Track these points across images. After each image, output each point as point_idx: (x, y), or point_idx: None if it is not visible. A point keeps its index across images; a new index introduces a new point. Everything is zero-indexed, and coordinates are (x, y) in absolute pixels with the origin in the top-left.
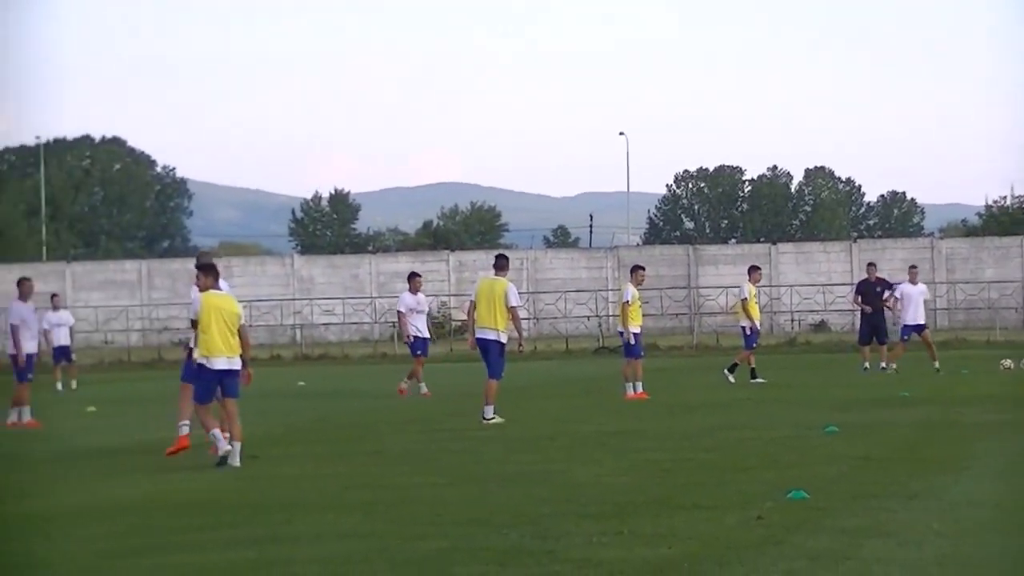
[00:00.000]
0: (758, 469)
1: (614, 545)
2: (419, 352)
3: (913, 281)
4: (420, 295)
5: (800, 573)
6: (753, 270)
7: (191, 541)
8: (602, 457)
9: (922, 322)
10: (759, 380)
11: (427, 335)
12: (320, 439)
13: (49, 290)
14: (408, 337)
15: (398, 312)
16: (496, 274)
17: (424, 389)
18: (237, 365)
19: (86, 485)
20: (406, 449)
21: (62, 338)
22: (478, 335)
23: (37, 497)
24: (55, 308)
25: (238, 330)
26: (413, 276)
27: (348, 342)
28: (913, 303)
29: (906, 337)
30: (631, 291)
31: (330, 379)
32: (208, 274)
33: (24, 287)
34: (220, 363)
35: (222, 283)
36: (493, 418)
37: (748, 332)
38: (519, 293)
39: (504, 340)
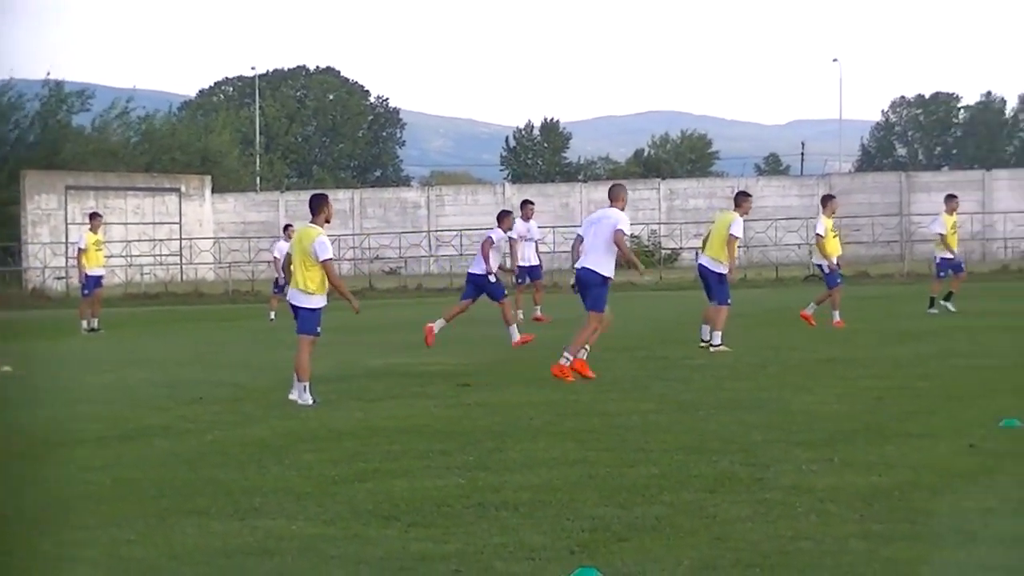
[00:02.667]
0: (971, 398)
1: (824, 473)
2: (521, 280)
3: None
4: (532, 223)
5: (1013, 501)
6: (949, 199)
7: (404, 468)
8: (813, 385)
9: None
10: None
11: (536, 262)
12: (531, 366)
13: (262, 220)
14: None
15: (509, 239)
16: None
17: (519, 316)
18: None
19: (301, 412)
20: (617, 376)
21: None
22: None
23: (252, 424)
24: (288, 238)
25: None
26: (526, 203)
27: (558, 271)
28: None
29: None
30: (822, 223)
31: (542, 306)
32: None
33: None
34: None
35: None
36: (720, 345)
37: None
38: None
39: (721, 270)
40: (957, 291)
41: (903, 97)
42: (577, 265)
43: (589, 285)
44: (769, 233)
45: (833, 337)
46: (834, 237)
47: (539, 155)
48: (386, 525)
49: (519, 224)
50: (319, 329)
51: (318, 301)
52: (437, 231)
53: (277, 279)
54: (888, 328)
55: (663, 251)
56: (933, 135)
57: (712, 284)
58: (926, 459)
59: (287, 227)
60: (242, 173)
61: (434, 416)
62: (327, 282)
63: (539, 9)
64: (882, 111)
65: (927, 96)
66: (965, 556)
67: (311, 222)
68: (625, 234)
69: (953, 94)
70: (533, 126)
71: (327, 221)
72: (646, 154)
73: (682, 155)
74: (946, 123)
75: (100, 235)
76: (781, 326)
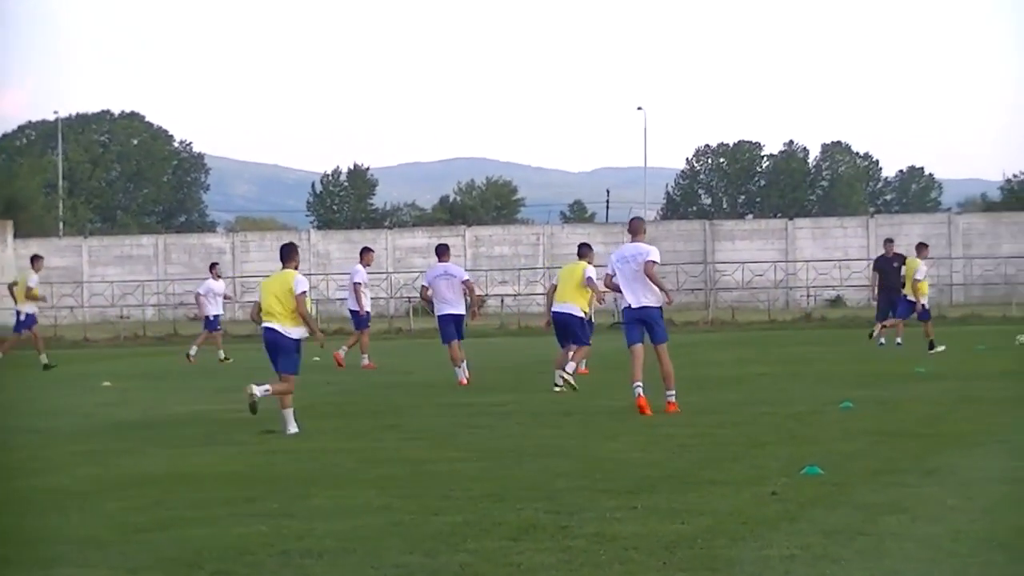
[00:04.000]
0: (774, 445)
1: (628, 520)
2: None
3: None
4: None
5: (814, 548)
6: (921, 247)
7: (209, 515)
8: (618, 432)
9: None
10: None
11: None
12: (336, 414)
13: (64, 265)
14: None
15: (355, 284)
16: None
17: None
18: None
19: (103, 459)
20: (423, 425)
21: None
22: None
23: (54, 472)
24: (216, 277)
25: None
26: (366, 251)
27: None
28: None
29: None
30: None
31: (348, 354)
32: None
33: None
34: None
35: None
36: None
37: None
38: (535, 268)
39: (581, 314)
40: (900, 333)
41: (707, 145)
42: (633, 304)
43: (654, 319)
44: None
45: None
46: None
47: (345, 201)
48: (189, 573)
49: (361, 270)
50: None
51: (300, 332)
52: (242, 277)
53: (207, 317)
54: (692, 376)
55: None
56: (737, 183)
57: (576, 329)
58: (729, 506)
59: (213, 265)
60: (46, 218)
61: (239, 463)
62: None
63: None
64: (686, 159)
65: (731, 144)
66: None
67: (284, 268)
68: (657, 263)
69: (756, 143)
70: (340, 172)
71: (296, 267)
72: (452, 200)
73: (488, 202)
74: (749, 171)
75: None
76: (590, 373)
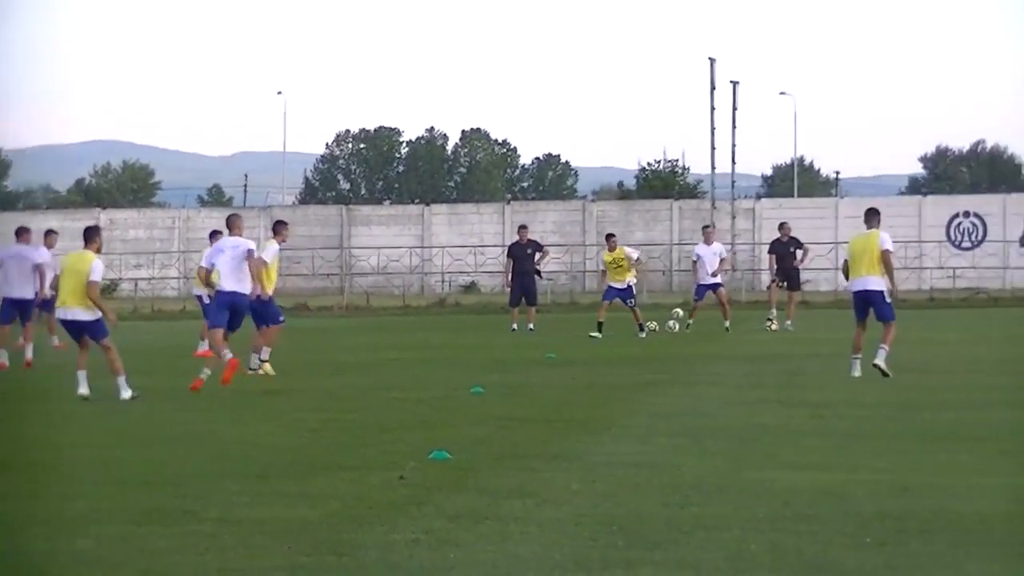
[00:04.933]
0: (403, 430)
1: (255, 505)
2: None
3: (708, 242)
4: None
5: (439, 532)
6: (609, 237)
7: None
8: (248, 417)
9: (718, 281)
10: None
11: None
12: None
13: None
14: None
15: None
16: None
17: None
18: None
19: None
20: (68, 410)
21: None
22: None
23: None
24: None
25: None
26: (48, 233)
27: None
28: (708, 263)
29: (699, 298)
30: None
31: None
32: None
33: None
34: None
35: None
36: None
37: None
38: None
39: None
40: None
41: (347, 131)
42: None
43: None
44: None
45: (278, 370)
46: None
47: None
48: None
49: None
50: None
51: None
52: None
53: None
54: (325, 361)
55: (103, 281)
56: (376, 169)
57: (257, 307)
58: (356, 491)
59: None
60: None
61: None
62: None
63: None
64: (326, 144)
65: (371, 130)
66: None
67: (84, 248)
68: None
69: (396, 129)
70: None
71: (98, 250)
72: (87, 183)
73: (124, 184)
74: (389, 157)
75: None
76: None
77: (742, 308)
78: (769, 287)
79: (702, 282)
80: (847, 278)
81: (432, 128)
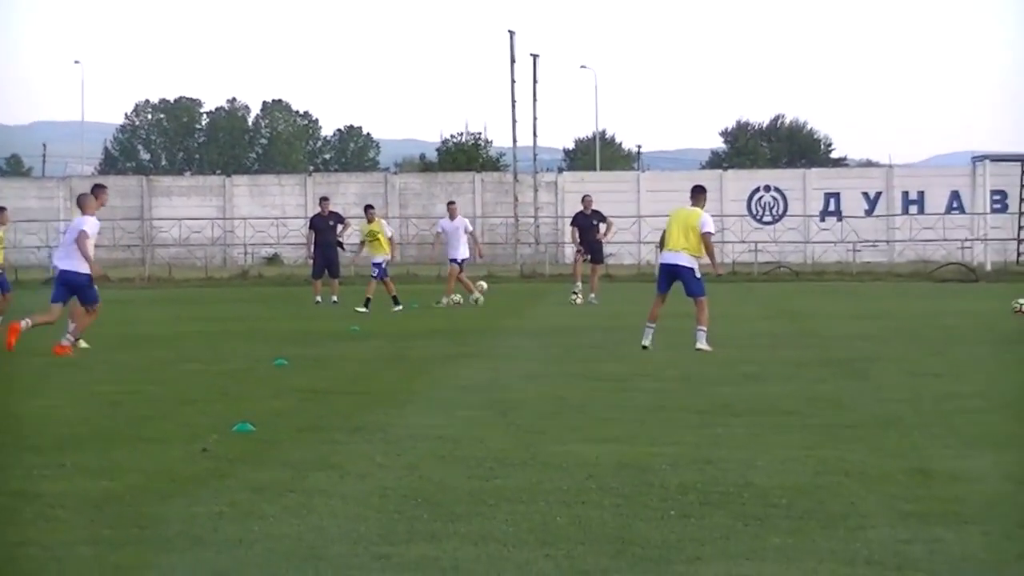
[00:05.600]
0: (205, 402)
1: (56, 478)
2: None
3: (452, 216)
4: None
5: (243, 505)
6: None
7: None
8: (45, 389)
9: (462, 256)
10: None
11: None
12: None
13: None
14: None
15: None
16: None
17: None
18: None
19: None
20: None
21: None
22: None
23: None
24: None
25: None
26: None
27: None
28: (454, 237)
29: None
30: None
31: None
32: None
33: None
34: None
35: None
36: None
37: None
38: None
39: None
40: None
41: (147, 101)
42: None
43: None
44: (8, 236)
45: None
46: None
47: None
48: None
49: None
50: None
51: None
52: None
53: None
54: (125, 333)
55: None
56: (176, 140)
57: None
58: (158, 464)
59: None
60: None
61: None
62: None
63: None
64: (126, 114)
65: (171, 100)
66: (192, 560)
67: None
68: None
69: (197, 99)
70: None
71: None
72: None
73: None
74: (190, 128)
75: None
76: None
77: (545, 281)
78: (575, 260)
79: (451, 257)
80: (661, 249)
81: (233, 99)
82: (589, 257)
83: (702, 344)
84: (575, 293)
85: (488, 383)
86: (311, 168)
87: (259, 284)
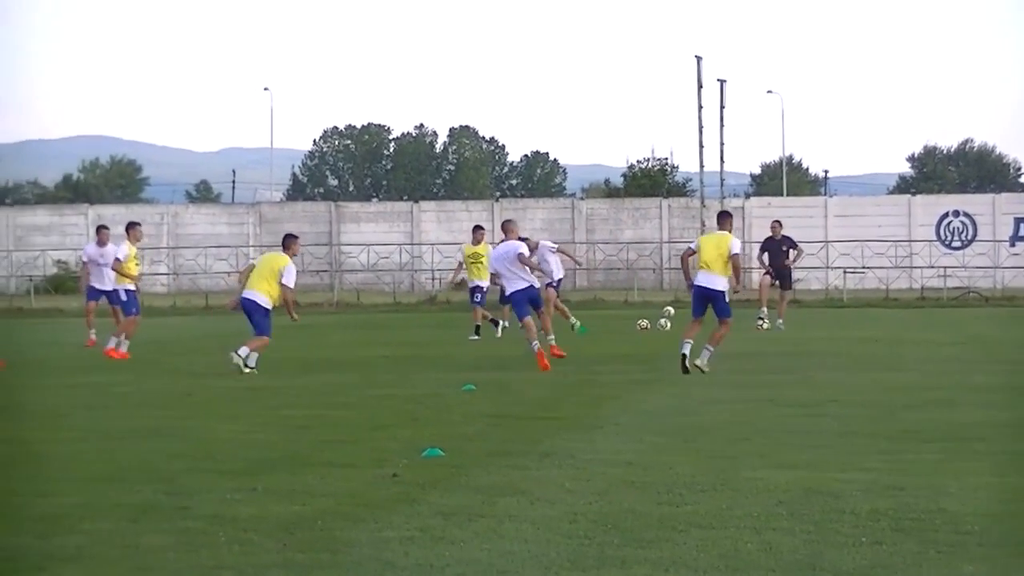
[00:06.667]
0: (395, 427)
1: (247, 502)
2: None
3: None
4: (109, 247)
5: (433, 530)
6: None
7: None
8: (239, 413)
9: (558, 277)
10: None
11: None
12: None
13: None
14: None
15: (83, 262)
16: None
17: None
18: None
19: None
20: (40, 404)
21: None
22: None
23: None
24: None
25: None
26: (101, 228)
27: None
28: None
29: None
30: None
31: None
32: None
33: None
34: None
35: None
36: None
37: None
38: (159, 248)
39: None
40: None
41: (335, 127)
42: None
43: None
44: (199, 260)
45: (259, 366)
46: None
47: None
48: None
49: (91, 248)
50: None
51: None
52: None
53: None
54: (314, 358)
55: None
56: (364, 165)
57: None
58: (348, 488)
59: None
60: None
61: None
62: None
63: None
64: (314, 140)
65: (358, 127)
66: None
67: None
68: None
69: (384, 125)
70: None
71: None
72: (75, 179)
73: (112, 180)
74: (377, 154)
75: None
76: (208, 354)
77: (733, 306)
78: (760, 285)
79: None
80: (687, 275)
81: (421, 125)
82: (777, 282)
83: (702, 362)
84: (760, 319)
85: (675, 409)
86: (498, 194)
87: (447, 309)
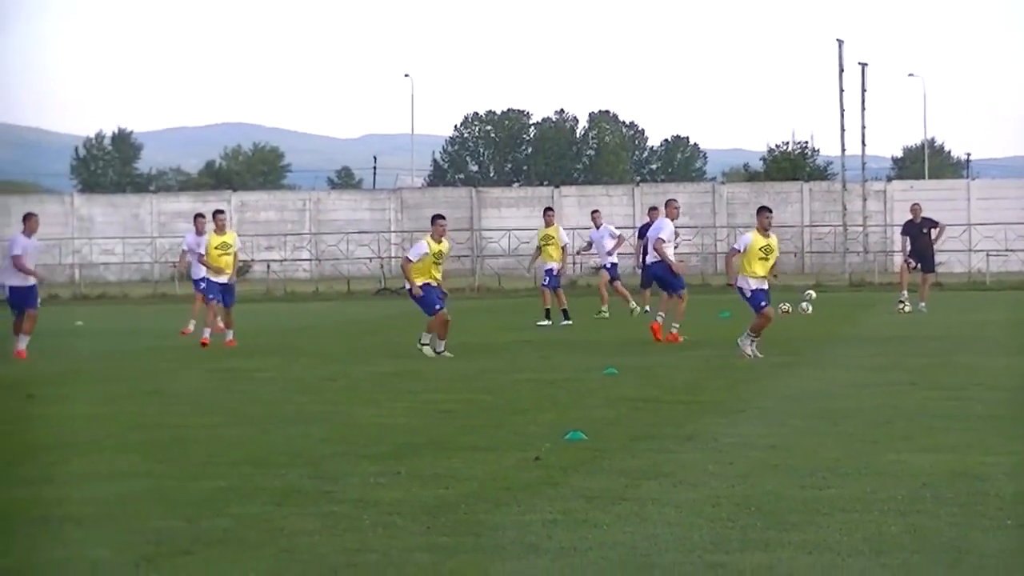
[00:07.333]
0: (537, 411)
1: (391, 486)
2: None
3: (597, 225)
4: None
5: (576, 513)
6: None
7: None
8: (381, 398)
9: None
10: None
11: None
12: (97, 379)
13: None
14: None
15: (182, 251)
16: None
17: (206, 334)
18: None
19: None
20: (184, 389)
21: None
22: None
23: None
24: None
25: None
26: (198, 217)
27: (128, 282)
28: (600, 245)
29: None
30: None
31: (109, 319)
32: None
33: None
34: None
35: None
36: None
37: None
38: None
39: None
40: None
41: (475, 113)
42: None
43: None
44: (341, 246)
45: (402, 351)
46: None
47: (109, 165)
48: None
49: (191, 237)
50: None
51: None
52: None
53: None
54: (456, 343)
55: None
56: (504, 151)
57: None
58: (491, 472)
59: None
60: None
61: None
62: None
63: (104, 15)
64: (454, 126)
65: (499, 113)
66: (526, 567)
67: None
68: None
69: (524, 111)
70: (104, 136)
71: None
72: (218, 165)
73: (254, 167)
74: (517, 139)
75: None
76: (351, 339)
77: (874, 290)
78: (901, 269)
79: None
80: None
81: (561, 110)
82: (919, 266)
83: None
84: (901, 302)
85: (818, 392)
86: (638, 179)
87: (588, 294)
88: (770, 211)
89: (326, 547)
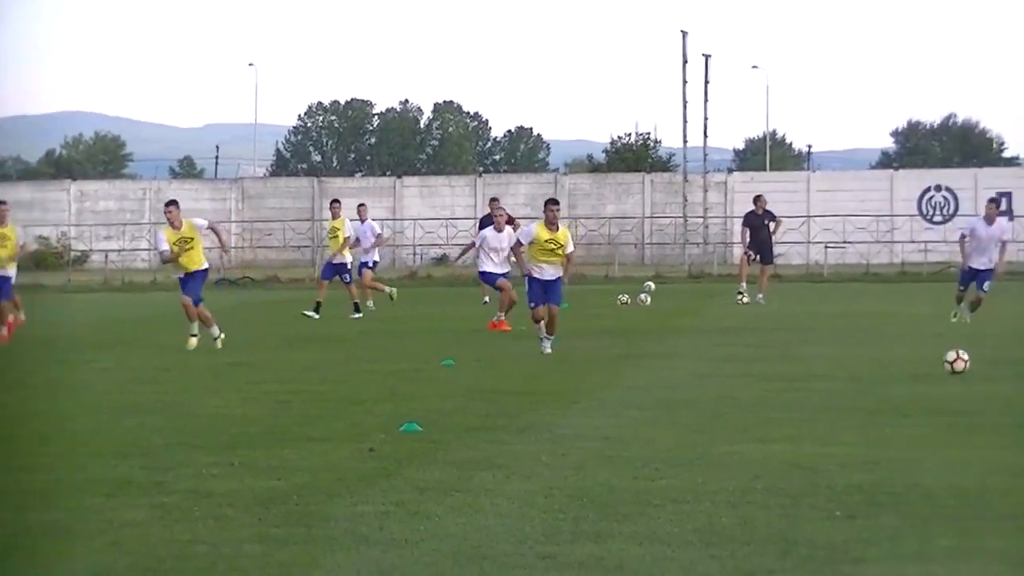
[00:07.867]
0: (374, 402)
1: (225, 477)
2: None
3: (363, 219)
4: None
5: (409, 505)
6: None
7: None
8: (218, 388)
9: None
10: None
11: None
12: None
13: None
14: None
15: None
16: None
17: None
18: None
19: None
20: (13, 380)
21: None
22: None
23: None
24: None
25: None
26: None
27: None
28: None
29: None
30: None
31: None
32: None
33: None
34: None
35: None
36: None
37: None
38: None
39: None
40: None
41: (319, 103)
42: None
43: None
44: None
45: (240, 342)
46: None
47: None
48: None
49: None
50: None
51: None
52: None
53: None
54: (293, 333)
55: (72, 253)
56: (347, 141)
57: None
58: (326, 463)
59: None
60: None
61: None
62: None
63: None
64: (298, 116)
65: (343, 102)
66: (357, 558)
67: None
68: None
69: (368, 101)
70: None
71: None
72: (58, 154)
73: (95, 156)
74: (360, 129)
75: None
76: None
77: (713, 281)
78: (741, 261)
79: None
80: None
81: (405, 101)
82: (758, 257)
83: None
84: (740, 293)
85: (655, 383)
86: (481, 169)
87: (428, 285)
88: (557, 204)
89: (156, 538)
